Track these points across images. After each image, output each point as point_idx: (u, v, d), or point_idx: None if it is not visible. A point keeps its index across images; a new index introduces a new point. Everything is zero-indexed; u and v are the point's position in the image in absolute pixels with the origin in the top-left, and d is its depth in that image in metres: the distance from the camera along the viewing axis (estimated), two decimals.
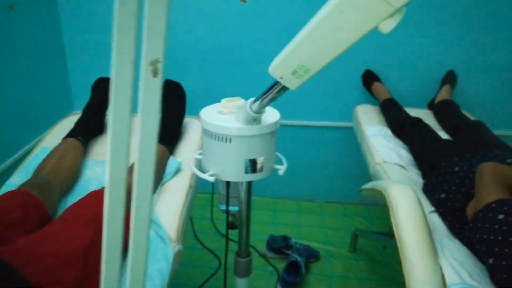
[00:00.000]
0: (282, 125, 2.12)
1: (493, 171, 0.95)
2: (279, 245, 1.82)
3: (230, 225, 1.04)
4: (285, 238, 1.86)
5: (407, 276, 0.83)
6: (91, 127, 1.38)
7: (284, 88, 0.68)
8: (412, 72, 1.96)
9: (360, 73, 1.97)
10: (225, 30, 1.92)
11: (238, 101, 0.95)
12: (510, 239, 0.80)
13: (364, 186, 1.26)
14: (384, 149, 1.50)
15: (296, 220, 2.14)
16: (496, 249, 0.80)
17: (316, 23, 0.51)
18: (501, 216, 0.85)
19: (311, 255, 1.80)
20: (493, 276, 0.84)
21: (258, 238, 1.94)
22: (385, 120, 1.75)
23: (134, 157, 0.42)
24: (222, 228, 1.95)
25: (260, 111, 0.81)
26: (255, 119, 0.84)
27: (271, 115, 0.92)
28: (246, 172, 0.89)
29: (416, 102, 1.96)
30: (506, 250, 0.78)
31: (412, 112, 1.71)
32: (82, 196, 0.96)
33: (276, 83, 0.68)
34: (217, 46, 1.96)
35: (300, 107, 2.09)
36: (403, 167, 1.40)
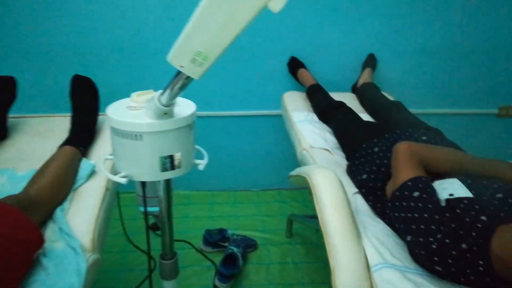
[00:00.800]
0: (212, 117, 2.11)
1: (408, 150, 0.98)
2: (215, 239, 1.79)
3: (153, 227, 0.98)
4: (222, 231, 1.83)
5: (331, 261, 0.83)
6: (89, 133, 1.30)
7: (189, 78, 0.63)
8: (335, 58, 2.00)
9: (286, 60, 1.97)
10: (141, 21, 1.82)
11: (149, 94, 0.89)
12: (425, 215, 0.83)
13: (292, 173, 1.26)
14: (311, 134, 1.52)
15: (233, 211, 2.12)
16: (413, 226, 0.83)
17: (203, 6, 0.47)
18: (416, 194, 0.88)
19: (249, 245, 1.79)
20: (412, 252, 0.87)
21: (195, 234, 1.89)
22: (311, 105, 1.77)
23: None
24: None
25: (170, 103, 0.75)
26: (166, 113, 0.78)
27: (186, 107, 0.87)
28: (163, 170, 0.84)
29: (340, 86, 2.01)
30: (422, 226, 0.81)
31: (337, 96, 1.75)
32: None
33: (178, 73, 0.63)
34: (133, 38, 1.85)
35: (231, 98, 2.05)
36: (328, 151, 1.42)
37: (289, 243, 1.89)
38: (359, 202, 1.11)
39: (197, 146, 0.99)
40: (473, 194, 0.89)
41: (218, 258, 1.73)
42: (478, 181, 0.95)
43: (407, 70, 2.06)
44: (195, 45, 0.51)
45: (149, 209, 0.93)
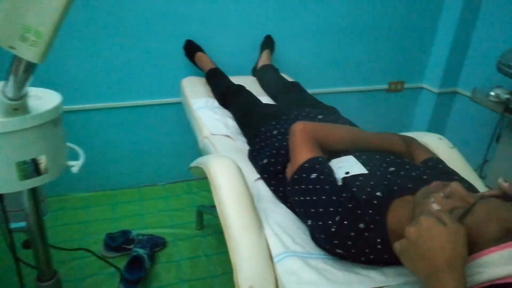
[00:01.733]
0: (106, 109, 1.92)
1: (303, 130, 0.96)
2: (118, 242, 1.64)
3: (25, 245, 0.83)
4: (125, 233, 1.68)
5: (232, 255, 0.78)
6: None
7: (29, 64, 0.50)
8: (234, 40, 1.94)
9: (182, 44, 1.85)
10: None
11: None
12: (323, 197, 0.81)
13: (191, 165, 1.17)
14: (211, 121, 1.44)
15: (138, 210, 1.97)
16: (312, 210, 0.81)
17: None
18: (313, 175, 0.86)
19: (156, 244, 1.68)
20: (313, 237, 0.85)
21: (96, 239, 1.71)
22: (211, 90, 1.69)
23: None
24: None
25: (19, 96, 0.61)
26: (16, 108, 0.64)
27: (48, 100, 0.73)
28: (24, 178, 0.69)
29: (241, 69, 1.96)
30: (321, 210, 0.79)
31: (238, 80, 1.69)
32: None
33: (14, 57, 0.50)
34: None
35: (124, 87, 1.88)
36: (230, 137, 1.36)
37: (200, 235, 1.81)
38: (261, 188, 1.07)
39: (70, 145, 0.85)
40: (367, 170, 0.89)
41: (123, 263, 1.59)
42: (372, 156, 0.97)
43: (304, 51, 2.08)
44: (18, 17, 0.39)
45: (15, 224, 0.77)
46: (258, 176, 1.12)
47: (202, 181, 2.21)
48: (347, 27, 2.10)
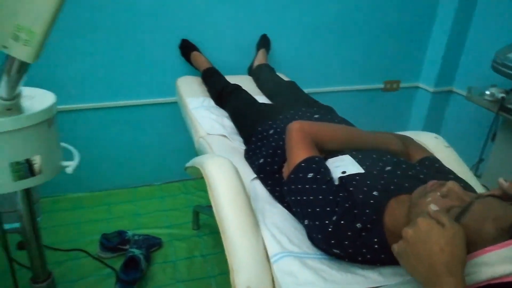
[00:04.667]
0: (101, 109, 1.90)
1: (300, 130, 0.96)
2: (114, 243, 1.63)
3: (19, 246, 0.82)
4: (120, 233, 1.67)
5: (229, 257, 0.77)
6: None
7: (22, 63, 0.50)
8: (229, 39, 1.94)
9: (178, 43, 1.84)
10: None
11: None
12: (320, 197, 0.80)
13: (187, 164, 1.17)
14: (207, 121, 1.44)
15: (134, 210, 1.97)
16: (309, 210, 0.80)
17: None
18: (310, 175, 0.85)
19: (152, 244, 1.67)
20: (310, 237, 0.85)
21: (91, 240, 1.70)
22: (207, 90, 1.68)
23: None
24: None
25: (11, 96, 0.61)
26: (9, 108, 0.63)
27: (41, 100, 0.72)
28: (18, 179, 0.69)
29: (237, 69, 1.95)
30: (318, 209, 0.79)
31: (234, 79, 1.69)
32: None
33: (7, 56, 0.49)
34: None
35: (120, 86, 1.87)
36: (226, 137, 1.36)
37: (197, 235, 1.81)
38: (258, 188, 1.06)
39: (65, 145, 0.84)
40: (364, 169, 0.89)
41: (119, 263, 1.58)
42: (369, 155, 0.97)
43: (300, 50, 2.08)
44: (9, 17, 0.39)
45: (9, 225, 0.77)
46: (255, 175, 1.12)
47: (199, 180, 2.19)
48: (343, 26, 2.10)
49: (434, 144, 1.21)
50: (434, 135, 1.26)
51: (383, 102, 2.42)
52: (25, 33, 0.40)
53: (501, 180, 0.66)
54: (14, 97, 0.61)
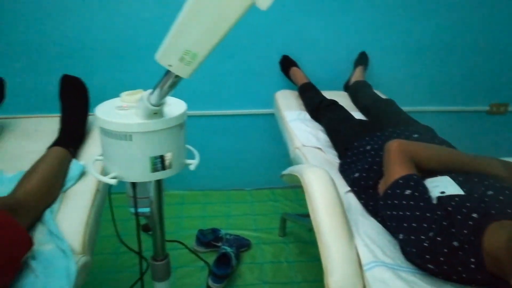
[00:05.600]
0: (204, 116, 2.10)
1: (399, 148, 0.98)
2: (209, 239, 1.78)
3: (144, 228, 0.97)
4: (215, 231, 1.82)
5: (324, 260, 0.83)
6: (79, 134, 1.27)
7: (178, 77, 0.62)
8: (328, 56, 2.00)
9: (278, 59, 1.96)
10: (131, 19, 1.80)
11: (139, 94, 0.88)
12: (417, 213, 0.83)
13: (284, 172, 1.25)
14: (303, 133, 1.51)
15: (226, 211, 2.11)
16: (405, 224, 0.83)
17: (191, 3, 0.46)
18: (408, 192, 0.88)
19: (242, 245, 1.79)
20: (404, 251, 0.87)
21: (188, 234, 1.88)
22: (303, 104, 1.76)
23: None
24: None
25: (159, 103, 0.75)
26: (156, 113, 0.77)
27: (176, 107, 0.86)
28: (153, 171, 0.83)
29: (333, 84, 2.01)
30: (414, 224, 0.81)
31: (330, 94, 1.75)
32: None
33: (167, 72, 0.62)
34: (123, 37, 1.83)
35: (223, 97, 2.04)
36: (321, 149, 1.42)
37: (283, 242, 1.89)
38: (352, 201, 1.11)
39: (188, 146, 0.98)
40: (464, 191, 0.89)
41: (211, 258, 1.72)
42: (469, 178, 0.95)
43: (399, 68, 2.06)
44: (183, 44, 0.50)
45: (140, 210, 0.92)
46: (348, 188, 1.16)
47: (287, 190, 2.29)
48: (444, 44, 2.03)
49: None
50: None
51: (488, 126, 2.27)
52: (190, 56, 0.51)
53: None
54: (160, 104, 0.75)
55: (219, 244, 1.75)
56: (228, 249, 1.67)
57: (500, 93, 2.19)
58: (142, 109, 0.76)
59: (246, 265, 1.73)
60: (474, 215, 0.80)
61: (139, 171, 0.81)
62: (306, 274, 1.69)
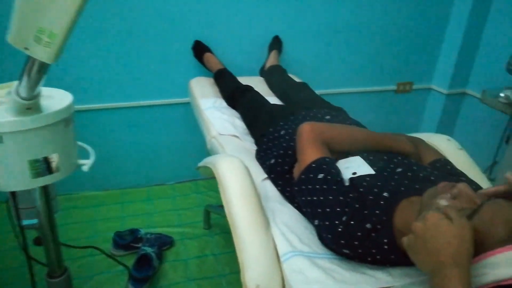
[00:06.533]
0: (117, 109, 1.94)
1: (311, 131, 0.96)
2: (127, 241, 1.66)
3: (36, 241, 0.84)
4: (133, 231, 1.70)
5: (239, 254, 0.79)
6: None
7: (42, 64, 0.52)
8: (242, 41, 1.95)
9: (191, 44, 1.87)
10: None
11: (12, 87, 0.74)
12: (330, 197, 0.81)
13: (199, 164, 1.18)
14: (219, 121, 1.46)
15: (148, 209, 1.99)
16: (319, 210, 0.81)
17: None
18: (321, 175, 0.86)
19: (164, 243, 1.70)
20: (320, 237, 0.86)
21: (105, 237, 1.74)
22: (219, 91, 1.70)
23: None
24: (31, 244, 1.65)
25: (31, 96, 0.63)
26: (29, 108, 0.65)
27: (59, 100, 0.74)
28: (35, 176, 0.71)
29: (249, 70, 1.97)
30: (328, 210, 0.80)
31: (246, 80, 1.70)
32: None
33: (28, 57, 0.51)
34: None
35: (136, 87, 1.90)
36: (237, 137, 1.37)
37: (208, 235, 1.83)
38: (269, 188, 1.07)
39: (81, 143, 0.87)
40: (375, 170, 0.90)
41: (131, 261, 1.60)
42: (379, 157, 0.97)
43: (312, 51, 2.08)
44: (33, 20, 0.41)
45: (27, 222, 0.79)
46: (265, 176, 1.13)
47: (210, 180, 2.22)
48: (355, 28, 2.09)
49: (446, 146, 1.20)
50: (446, 137, 1.26)
51: (395, 104, 2.41)
52: (47, 36, 0.42)
53: (509, 175, 0.66)
54: (33, 97, 0.64)
55: (139, 245, 1.64)
56: (149, 250, 1.57)
57: (406, 73, 2.33)
58: (12, 104, 0.63)
59: (170, 263, 1.64)
60: (385, 194, 0.81)
61: (16, 178, 0.69)
62: (233, 265, 1.65)
